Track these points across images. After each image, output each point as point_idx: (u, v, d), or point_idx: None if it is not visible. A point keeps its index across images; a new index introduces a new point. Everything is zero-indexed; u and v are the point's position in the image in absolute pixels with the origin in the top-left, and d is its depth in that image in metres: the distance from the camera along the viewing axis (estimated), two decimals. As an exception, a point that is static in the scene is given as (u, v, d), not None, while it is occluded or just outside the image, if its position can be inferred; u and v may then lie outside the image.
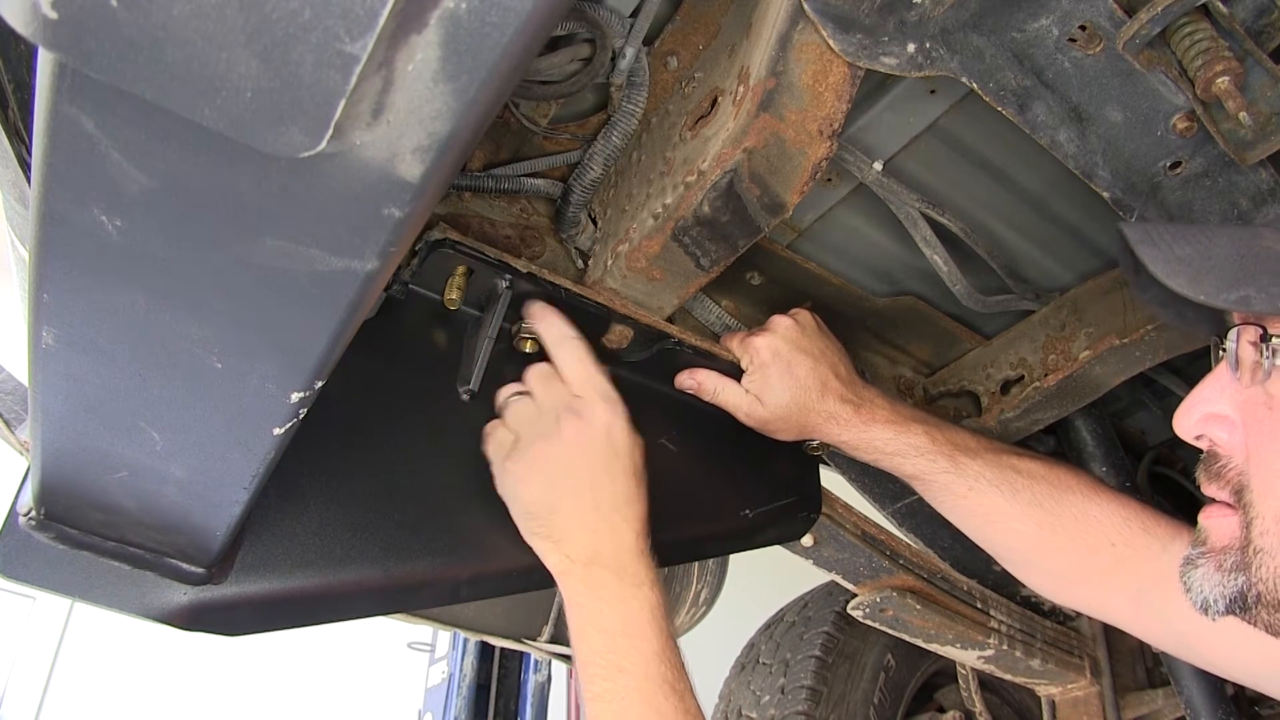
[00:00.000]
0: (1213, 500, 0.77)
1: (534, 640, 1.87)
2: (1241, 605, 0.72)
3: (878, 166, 1.02)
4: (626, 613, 0.83)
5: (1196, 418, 0.76)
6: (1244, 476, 0.73)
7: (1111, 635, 1.64)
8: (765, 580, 2.31)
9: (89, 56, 0.33)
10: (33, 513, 0.68)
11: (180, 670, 4.18)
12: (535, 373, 0.94)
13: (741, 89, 0.81)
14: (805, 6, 0.73)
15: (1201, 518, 0.78)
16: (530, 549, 0.90)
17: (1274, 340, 0.71)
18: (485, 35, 0.37)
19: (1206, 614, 0.74)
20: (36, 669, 4.06)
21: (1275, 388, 0.72)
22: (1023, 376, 1.24)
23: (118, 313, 0.51)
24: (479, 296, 0.97)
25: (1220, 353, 0.76)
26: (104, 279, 0.48)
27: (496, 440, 0.92)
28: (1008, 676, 1.58)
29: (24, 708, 3.97)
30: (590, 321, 1.00)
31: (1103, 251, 1.16)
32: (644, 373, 1.07)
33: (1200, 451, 0.79)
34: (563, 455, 0.87)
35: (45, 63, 0.37)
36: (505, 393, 0.93)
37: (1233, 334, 0.74)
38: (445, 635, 3.39)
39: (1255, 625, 0.73)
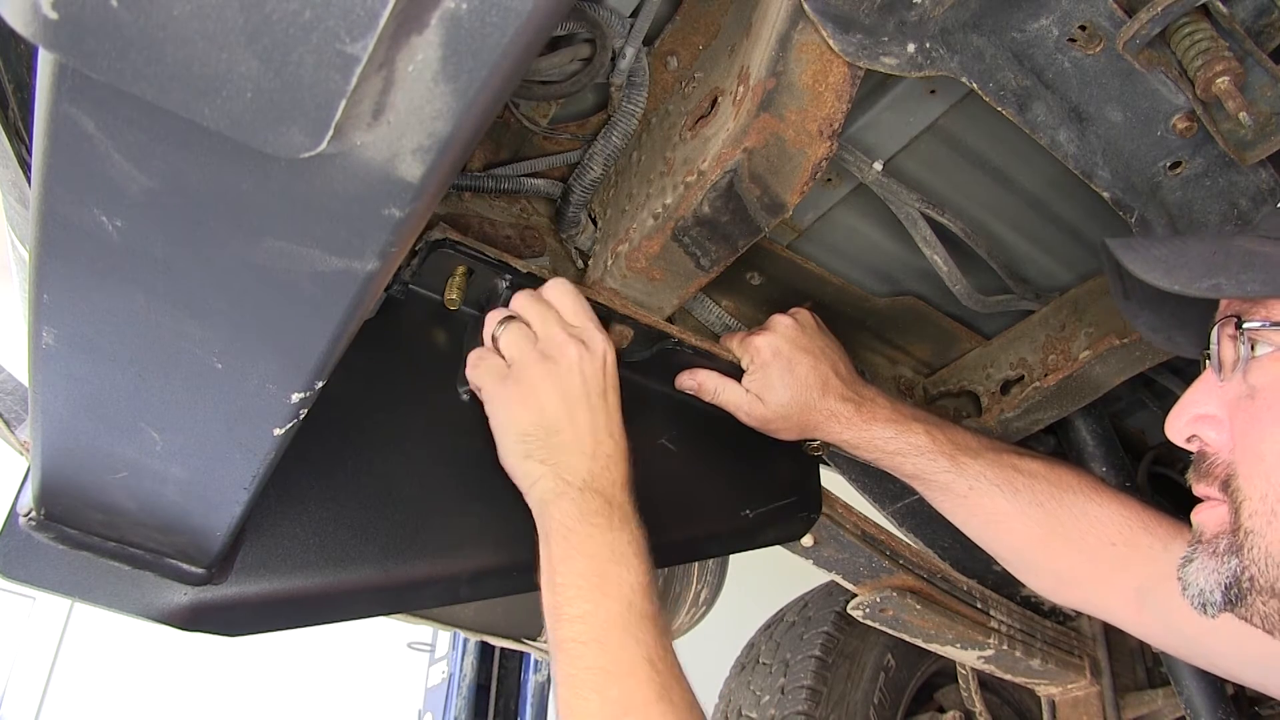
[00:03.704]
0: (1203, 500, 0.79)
1: (534, 640, 1.87)
2: (1237, 594, 0.73)
3: (878, 166, 1.02)
4: (615, 541, 0.82)
5: (1186, 419, 0.78)
6: (1231, 467, 0.75)
7: (1111, 635, 1.64)
8: (765, 580, 2.31)
9: (89, 57, 0.33)
10: (33, 513, 0.68)
11: (180, 670, 4.18)
12: (526, 301, 0.92)
13: (741, 89, 0.81)
14: (805, 6, 0.73)
15: (1193, 516, 0.79)
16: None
17: (1246, 327, 0.74)
18: (485, 35, 0.37)
19: (1205, 612, 0.75)
20: (36, 669, 4.06)
21: (1254, 377, 0.74)
22: (1023, 376, 1.24)
23: (118, 313, 0.51)
24: (479, 296, 0.97)
25: (1206, 361, 0.79)
26: (104, 279, 0.48)
27: (488, 366, 0.90)
28: (1008, 676, 1.58)
29: (24, 708, 3.97)
30: None
31: (1103, 251, 1.16)
32: (644, 373, 1.07)
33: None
34: (566, 379, 0.87)
35: (45, 63, 0.37)
36: (494, 319, 0.92)
37: (1213, 334, 0.77)
38: (445, 635, 3.39)
39: (1252, 621, 0.74)
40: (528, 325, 0.91)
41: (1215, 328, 0.77)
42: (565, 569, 0.82)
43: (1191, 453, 0.80)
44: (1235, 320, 0.75)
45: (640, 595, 0.80)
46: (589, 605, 0.79)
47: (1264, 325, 0.73)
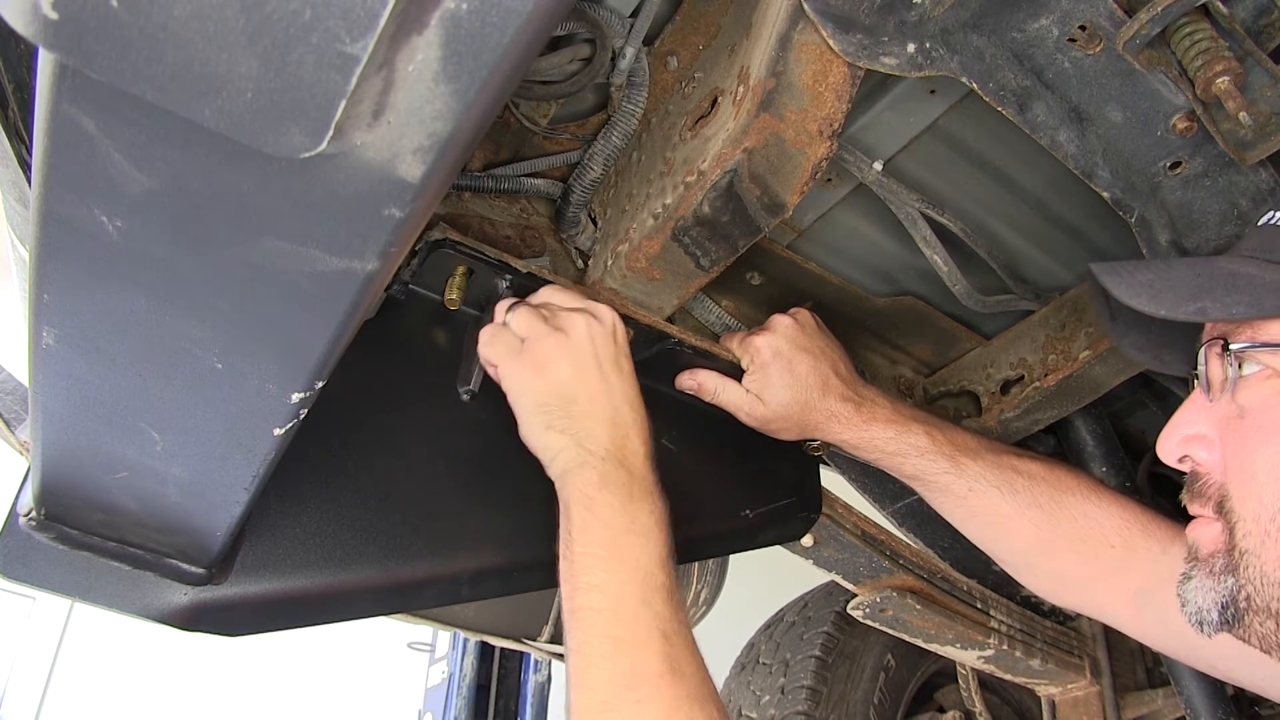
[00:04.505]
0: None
1: (534, 640, 1.87)
2: (1234, 614, 0.74)
3: (878, 166, 1.02)
4: (636, 512, 0.82)
5: (1177, 440, 0.80)
6: (1224, 488, 0.76)
7: (1111, 635, 1.64)
8: (765, 580, 2.31)
9: (89, 57, 0.33)
10: (33, 513, 0.68)
11: (180, 670, 4.18)
12: (533, 297, 0.95)
13: (741, 89, 0.81)
14: (805, 6, 0.73)
15: (1188, 532, 0.80)
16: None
17: (1233, 348, 0.75)
18: (486, 36, 0.37)
19: (1202, 630, 0.76)
20: (36, 669, 4.06)
21: (1242, 397, 0.75)
22: (1023, 376, 1.24)
23: (118, 313, 0.51)
24: (479, 296, 0.97)
25: (1195, 382, 0.80)
26: (104, 279, 0.48)
27: (503, 342, 0.91)
28: (1008, 676, 1.58)
29: (24, 708, 3.98)
30: None
31: (1102, 252, 1.16)
32: (644, 373, 1.06)
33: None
34: (578, 347, 0.88)
35: (46, 63, 0.37)
36: (503, 306, 0.93)
37: (1201, 355, 0.78)
38: (445, 635, 3.38)
39: (1250, 641, 0.74)
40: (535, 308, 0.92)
41: (1203, 349, 0.78)
42: (584, 538, 0.81)
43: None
44: (1222, 341, 0.76)
45: (658, 567, 0.80)
46: (605, 574, 0.79)
47: (1251, 345, 0.74)
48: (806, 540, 1.30)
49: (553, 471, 0.87)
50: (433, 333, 0.97)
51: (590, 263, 1.07)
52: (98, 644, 4.16)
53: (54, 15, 0.32)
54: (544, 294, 0.94)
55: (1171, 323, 0.82)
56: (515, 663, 3.15)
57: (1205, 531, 0.77)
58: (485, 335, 0.92)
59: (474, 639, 3.08)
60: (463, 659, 3.16)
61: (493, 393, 0.95)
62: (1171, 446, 0.80)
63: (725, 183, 0.85)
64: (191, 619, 0.78)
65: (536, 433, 0.88)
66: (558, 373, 0.87)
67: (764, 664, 1.82)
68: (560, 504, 0.85)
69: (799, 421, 1.06)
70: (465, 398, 0.95)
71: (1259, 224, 0.81)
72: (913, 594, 1.42)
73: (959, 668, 1.70)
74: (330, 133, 0.37)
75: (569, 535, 0.82)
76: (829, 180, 1.09)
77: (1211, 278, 0.73)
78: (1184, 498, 0.81)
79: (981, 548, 1.13)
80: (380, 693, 4.49)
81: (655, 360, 1.06)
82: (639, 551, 0.80)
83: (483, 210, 1.04)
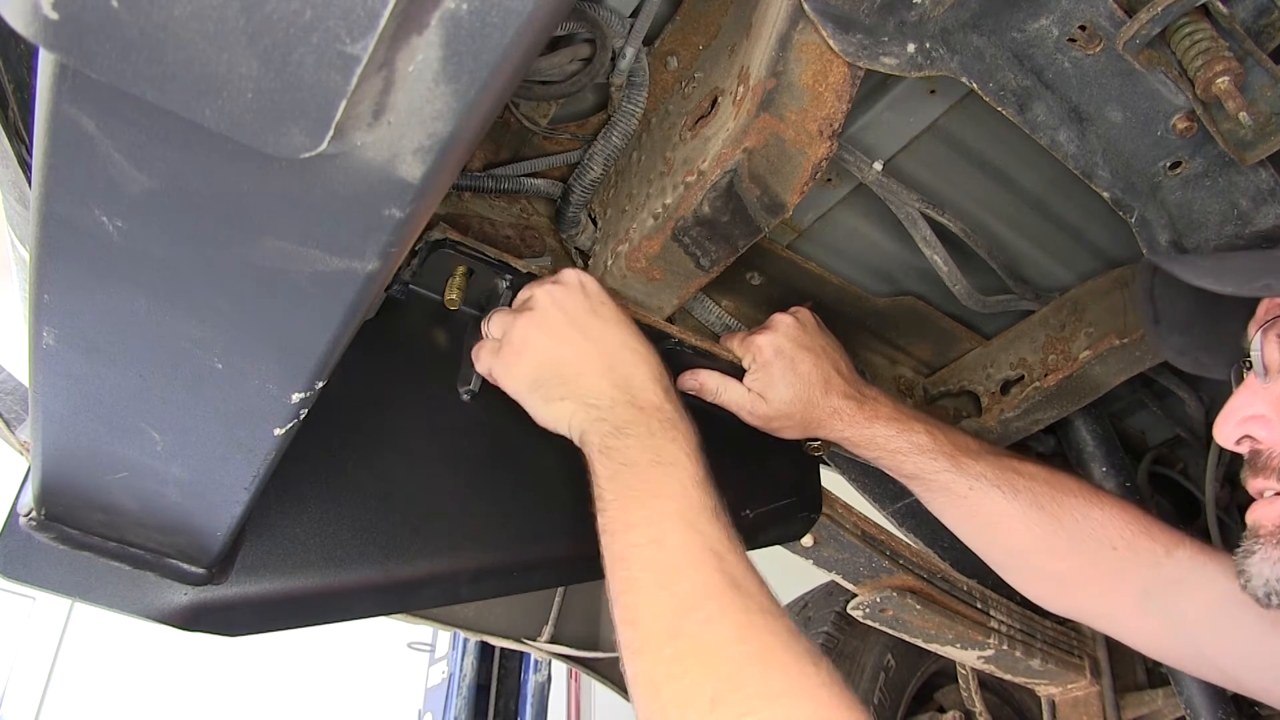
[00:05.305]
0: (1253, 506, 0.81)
1: (534, 640, 1.87)
2: None
3: (878, 166, 1.02)
4: (658, 445, 0.81)
5: (1235, 422, 0.82)
6: None
7: (1111, 635, 1.64)
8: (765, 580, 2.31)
9: (90, 57, 0.33)
10: (33, 513, 0.68)
11: (180, 670, 4.18)
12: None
13: (741, 89, 0.81)
14: (805, 6, 0.73)
15: (1248, 516, 0.82)
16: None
17: None
18: (486, 36, 0.37)
19: (1269, 603, 0.77)
20: (36, 669, 4.06)
21: None
22: (1023, 376, 1.24)
23: (118, 313, 0.51)
24: (479, 296, 0.97)
25: (1246, 370, 0.83)
26: (105, 279, 0.48)
27: (485, 350, 0.92)
28: (1008, 676, 1.58)
29: (24, 708, 3.98)
30: None
31: (1103, 251, 1.16)
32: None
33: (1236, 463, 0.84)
34: (545, 316, 0.88)
35: (46, 63, 0.37)
36: (484, 322, 0.94)
37: (1255, 341, 0.81)
38: (445, 635, 3.39)
39: None
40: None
41: (1258, 333, 0.81)
42: (612, 485, 0.80)
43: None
44: None
45: (696, 488, 0.78)
46: (643, 510, 0.77)
47: None
48: (806, 540, 1.30)
49: (575, 441, 0.87)
50: (433, 333, 0.97)
51: (590, 263, 1.07)
52: (98, 644, 4.16)
53: (54, 15, 0.32)
54: (519, 296, 0.95)
55: (1213, 326, 0.86)
56: (515, 663, 3.15)
57: (1266, 510, 0.79)
58: (474, 354, 0.94)
59: (474, 639, 3.08)
60: (463, 659, 3.16)
61: (493, 392, 0.95)
62: (1229, 429, 0.82)
63: (725, 183, 0.85)
64: (191, 619, 0.78)
65: (543, 409, 0.88)
66: (536, 347, 0.87)
67: (764, 664, 1.81)
68: (588, 466, 0.84)
69: (802, 419, 1.06)
70: (465, 398, 0.95)
71: None
72: (913, 594, 1.42)
73: (959, 668, 1.70)
74: (330, 133, 0.37)
75: (599, 488, 0.81)
76: (829, 180, 1.09)
77: (1269, 261, 0.76)
78: (1244, 477, 0.82)
79: (978, 550, 1.13)
80: (380, 693, 4.49)
81: (655, 360, 1.06)
82: (670, 481, 0.78)
83: (483, 210, 1.04)
